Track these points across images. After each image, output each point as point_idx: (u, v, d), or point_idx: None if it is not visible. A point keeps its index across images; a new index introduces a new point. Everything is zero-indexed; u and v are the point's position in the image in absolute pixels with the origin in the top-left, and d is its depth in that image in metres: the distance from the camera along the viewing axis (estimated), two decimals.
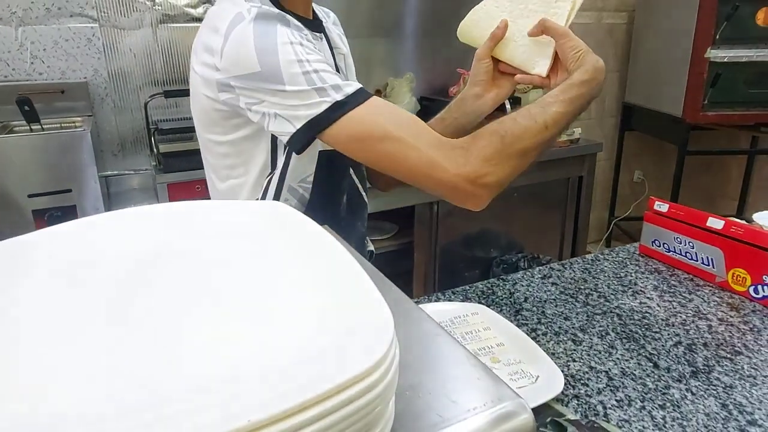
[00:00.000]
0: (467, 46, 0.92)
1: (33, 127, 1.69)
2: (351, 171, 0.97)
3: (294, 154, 0.85)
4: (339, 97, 0.72)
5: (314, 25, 0.89)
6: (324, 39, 0.92)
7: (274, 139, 0.85)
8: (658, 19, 2.79)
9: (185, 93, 2.10)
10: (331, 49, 0.94)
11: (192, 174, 1.82)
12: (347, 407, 0.22)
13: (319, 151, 0.87)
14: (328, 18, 1.01)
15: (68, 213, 1.66)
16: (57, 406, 0.22)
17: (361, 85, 0.75)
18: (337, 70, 0.93)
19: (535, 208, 2.51)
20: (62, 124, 1.89)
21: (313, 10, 0.92)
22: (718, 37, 2.46)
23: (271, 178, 0.87)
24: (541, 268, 1.13)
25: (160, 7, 2.08)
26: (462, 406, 0.30)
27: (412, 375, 0.31)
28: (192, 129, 2.26)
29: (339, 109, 0.72)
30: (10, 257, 0.35)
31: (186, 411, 0.21)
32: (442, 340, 0.36)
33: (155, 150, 2.00)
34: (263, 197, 0.88)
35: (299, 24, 0.80)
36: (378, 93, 2.56)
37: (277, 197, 0.87)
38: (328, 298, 0.29)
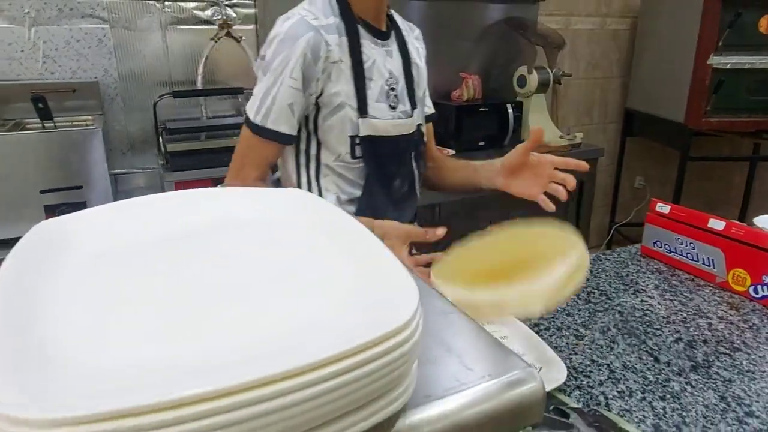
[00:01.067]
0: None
1: (46, 125, 1.72)
2: (413, 162, 1.11)
3: (315, 135, 0.99)
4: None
5: (382, 34, 1.02)
6: (394, 48, 1.05)
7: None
8: (661, 25, 2.82)
9: (193, 93, 2.14)
10: (405, 58, 1.07)
11: (198, 173, 1.85)
12: (385, 357, 0.24)
13: (360, 137, 0.98)
14: (412, 32, 1.14)
15: (78, 209, 1.68)
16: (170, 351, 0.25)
17: (272, 129, 0.94)
18: (410, 77, 1.07)
19: (535, 212, 2.53)
20: (73, 123, 1.92)
21: (391, 22, 1.06)
22: (721, 43, 2.48)
23: (302, 154, 1.02)
24: None
25: (169, 10, 2.11)
26: (477, 373, 0.32)
27: (431, 344, 0.34)
28: (199, 129, 2.28)
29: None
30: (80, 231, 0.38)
31: (272, 353, 0.24)
32: (456, 317, 0.38)
33: (163, 149, 2.03)
34: (306, 171, 1.03)
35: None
36: None
37: (317, 173, 1.02)
38: (360, 269, 0.31)
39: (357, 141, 0.98)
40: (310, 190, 1.02)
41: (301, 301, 0.29)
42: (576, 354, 0.83)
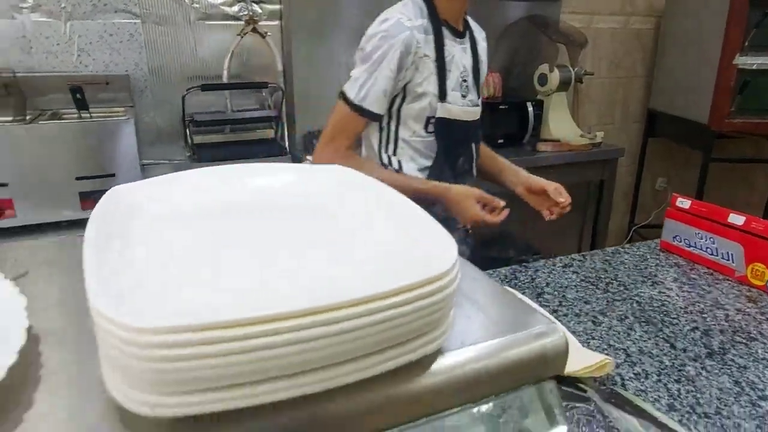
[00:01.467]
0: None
1: (82, 115, 1.79)
2: (473, 145, 1.29)
3: (398, 114, 1.18)
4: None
5: (460, 33, 1.22)
6: (468, 46, 1.25)
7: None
8: (686, 25, 2.80)
9: (221, 87, 2.20)
10: (475, 55, 1.27)
11: (224, 164, 1.90)
12: (430, 297, 0.28)
13: (436, 118, 1.17)
14: (480, 34, 1.33)
15: None
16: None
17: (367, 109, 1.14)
18: (477, 72, 1.27)
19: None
20: (106, 114, 1.99)
21: (466, 25, 1.26)
22: (747, 43, 2.46)
23: (383, 130, 1.22)
24: (562, 257, 1.17)
25: (198, 5, 2.17)
26: (505, 326, 0.35)
27: (463, 302, 0.37)
28: (224, 122, 2.33)
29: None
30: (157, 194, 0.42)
31: (346, 285, 0.28)
32: (485, 281, 0.41)
33: (190, 141, 2.09)
34: (386, 144, 1.23)
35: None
36: None
37: (395, 146, 1.22)
38: (407, 229, 0.35)
39: (432, 120, 1.18)
40: (389, 160, 1.23)
41: (360, 252, 0.33)
42: (593, 339, 0.86)
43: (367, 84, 1.12)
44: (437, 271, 0.29)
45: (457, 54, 1.21)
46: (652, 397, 0.71)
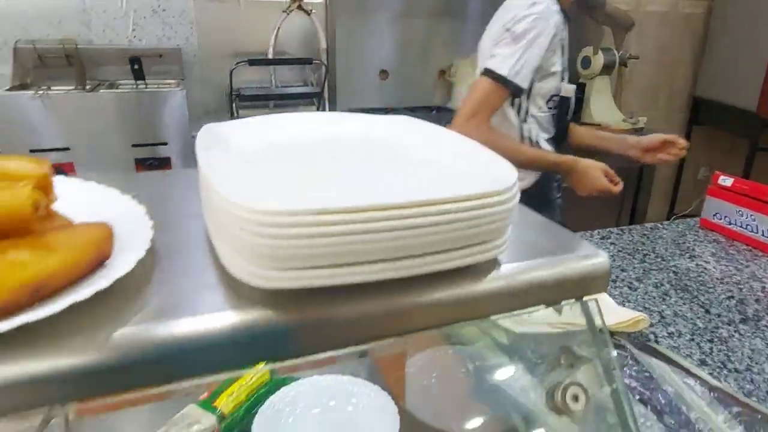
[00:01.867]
0: None
1: (139, 84, 1.89)
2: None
3: (530, 92, 1.29)
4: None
5: (569, 18, 1.34)
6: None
7: None
8: (738, 10, 2.71)
9: (268, 62, 2.26)
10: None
11: None
12: (495, 207, 0.33)
13: (559, 96, 1.33)
14: None
15: (164, 164, 1.86)
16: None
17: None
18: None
19: (590, 198, 2.52)
20: (159, 86, 2.09)
21: None
22: None
23: (515, 106, 1.34)
24: (600, 230, 1.19)
25: None
26: (555, 247, 0.40)
27: (522, 225, 0.42)
28: (269, 96, 2.40)
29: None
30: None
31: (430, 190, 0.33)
32: (535, 216, 0.46)
33: (235, 114, 2.17)
34: (518, 118, 1.34)
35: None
36: (442, 74, 2.63)
37: (525, 119, 1.34)
38: (472, 158, 0.40)
39: (555, 97, 1.33)
40: (521, 132, 1.34)
41: (439, 171, 0.38)
42: (628, 302, 0.88)
43: (521, 61, 1.21)
44: (503, 185, 0.33)
45: (567, 39, 1.34)
46: (684, 353, 0.74)
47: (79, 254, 0.32)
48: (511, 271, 0.37)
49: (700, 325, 0.82)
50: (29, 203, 0.30)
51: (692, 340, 0.77)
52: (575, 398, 0.40)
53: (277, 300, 0.32)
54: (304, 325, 0.33)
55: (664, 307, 0.87)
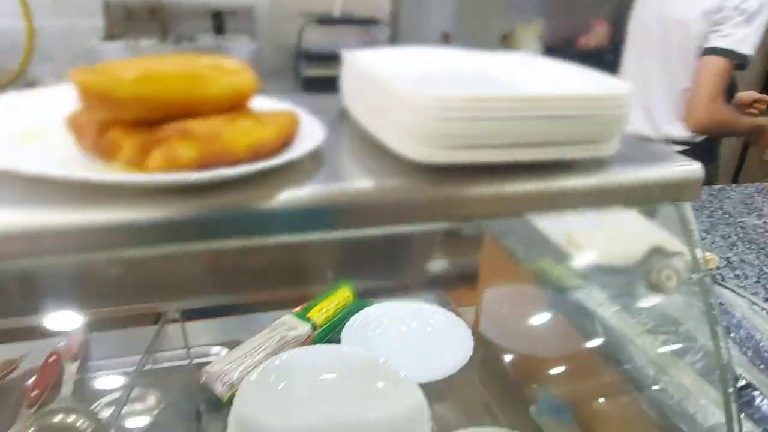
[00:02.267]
0: None
1: (218, 38, 2.00)
2: None
3: None
4: None
5: None
6: None
7: None
8: None
9: (336, 22, 2.32)
10: None
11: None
12: (611, 110, 0.40)
13: None
14: None
15: None
16: None
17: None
18: None
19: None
20: (233, 42, 2.19)
21: None
22: None
23: None
24: None
25: None
26: (657, 157, 0.46)
27: (630, 141, 0.48)
28: (336, 57, 2.50)
29: None
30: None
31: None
32: (636, 138, 0.52)
33: (302, 73, 2.26)
34: None
35: None
36: (503, 39, 2.62)
37: None
38: (586, 79, 0.46)
39: None
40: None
41: (566, 83, 0.46)
42: None
43: (756, 40, 1.26)
44: (620, 92, 0.40)
45: None
46: (750, 291, 0.79)
47: (282, 129, 0.40)
48: (622, 168, 0.44)
49: (767, 270, 0.86)
50: (255, 84, 0.39)
51: (758, 282, 0.82)
52: (669, 278, 0.47)
53: (427, 175, 0.40)
54: (452, 196, 0.40)
55: (731, 254, 0.91)
